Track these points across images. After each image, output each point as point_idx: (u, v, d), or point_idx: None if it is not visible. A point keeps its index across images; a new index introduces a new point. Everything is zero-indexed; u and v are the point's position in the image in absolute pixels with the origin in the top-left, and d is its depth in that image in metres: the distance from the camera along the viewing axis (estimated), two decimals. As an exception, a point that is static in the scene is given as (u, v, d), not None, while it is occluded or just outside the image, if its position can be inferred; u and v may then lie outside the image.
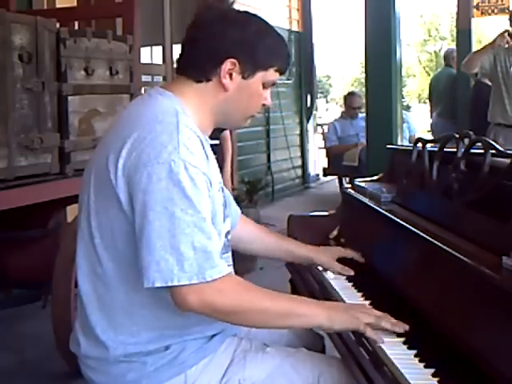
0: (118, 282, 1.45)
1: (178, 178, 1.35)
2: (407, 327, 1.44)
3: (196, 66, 1.53)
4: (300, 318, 1.46)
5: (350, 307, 1.54)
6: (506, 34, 4.58)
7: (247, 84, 1.53)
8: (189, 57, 1.55)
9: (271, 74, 1.56)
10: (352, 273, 1.86)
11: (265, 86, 1.57)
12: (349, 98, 7.56)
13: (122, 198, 1.40)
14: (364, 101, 6.89)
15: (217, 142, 4.04)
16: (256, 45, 1.52)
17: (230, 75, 1.51)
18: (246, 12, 1.60)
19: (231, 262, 1.63)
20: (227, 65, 1.50)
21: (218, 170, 1.59)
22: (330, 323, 1.45)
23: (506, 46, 4.61)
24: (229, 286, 1.39)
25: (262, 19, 1.59)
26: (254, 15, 1.59)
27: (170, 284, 1.34)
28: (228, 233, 1.62)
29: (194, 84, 1.53)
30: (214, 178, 1.49)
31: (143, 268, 1.35)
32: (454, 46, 8.68)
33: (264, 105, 1.61)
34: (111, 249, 1.45)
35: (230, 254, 1.63)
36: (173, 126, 1.41)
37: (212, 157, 1.54)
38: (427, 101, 8.48)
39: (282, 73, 1.59)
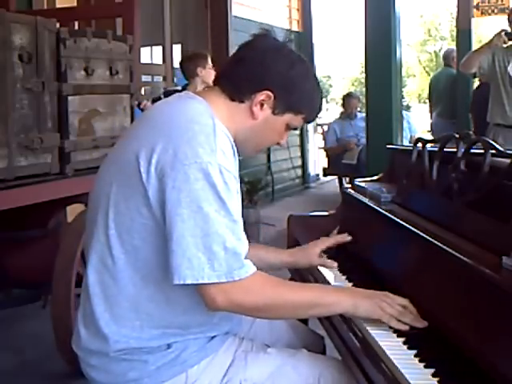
0: (128, 276, 1.46)
1: (213, 181, 1.37)
2: (426, 323, 1.45)
3: (235, 84, 1.55)
4: (326, 307, 1.50)
5: (374, 295, 1.53)
6: (503, 34, 4.55)
7: (274, 120, 1.56)
8: (232, 73, 1.57)
9: (298, 120, 1.60)
10: (335, 264, 1.89)
11: (287, 128, 1.60)
12: (346, 99, 7.58)
13: (150, 193, 1.40)
14: (362, 101, 6.92)
15: None
16: (295, 87, 1.55)
17: (262, 105, 1.54)
18: (299, 54, 1.61)
19: None
20: (263, 95, 1.53)
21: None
22: (354, 310, 1.48)
23: (504, 45, 4.59)
24: (255, 284, 1.42)
25: (309, 65, 1.63)
26: (304, 59, 1.61)
27: (200, 281, 1.36)
28: None
29: (227, 100, 1.55)
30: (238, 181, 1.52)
31: (174, 264, 1.36)
32: (453, 46, 8.68)
33: (278, 143, 1.64)
34: (126, 241, 1.45)
35: None
36: (210, 128, 1.43)
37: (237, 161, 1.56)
38: (427, 101, 8.48)
39: (307, 122, 1.63)
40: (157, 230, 1.41)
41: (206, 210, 1.36)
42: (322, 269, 1.93)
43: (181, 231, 1.36)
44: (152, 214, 1.41)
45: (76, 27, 4.31)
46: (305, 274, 1.97)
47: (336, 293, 1.55)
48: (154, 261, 1.43)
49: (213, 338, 1.53)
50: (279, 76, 1.53)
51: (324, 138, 7.91)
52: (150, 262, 1.43)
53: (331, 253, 2.09)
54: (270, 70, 1.53)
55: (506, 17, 4.85)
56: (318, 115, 1.69)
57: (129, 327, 1.47)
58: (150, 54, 6.80)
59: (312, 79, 1.61)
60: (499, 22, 7.54)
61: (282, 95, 1.54)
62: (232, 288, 1.38)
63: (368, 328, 1.47)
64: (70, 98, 2.94)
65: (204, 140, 1.40)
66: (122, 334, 1.47)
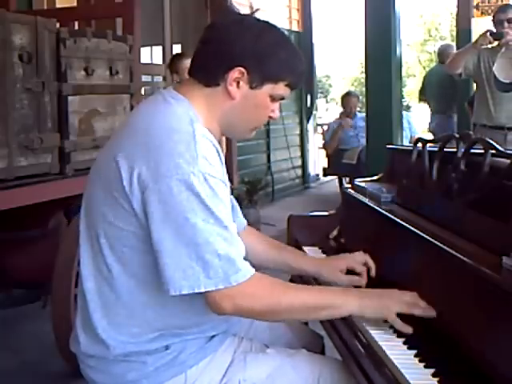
0: (123, 283, 1.46)
1: (197, 191, 1.35)
2: (434, 313, 1.45)
3: (205, 69, 1.51)
4: (332, 309, 1.48)
5: (381, 294, 1.52)
6: (488, 34, 4.50)
7: (254, 94, 1.51)
8: (200, 59, 1.54)
9: (280, 88, 1.53)
10: (364, 282, 1.75)
11: (273, 99, 1.54)
12: (345, 98, 7.57)
13: (134, 204, 1.39)
14: (362, 101, 6.91)
15: None
16: (267, 56, 1.49)
17: (238, 83, 1.49)
18: (266, 22, 1.55)
19: None
20: (235, 73, 1.47)
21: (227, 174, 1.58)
22: (360, 311, 1.47)
23: (489, 45, 4.55)
24: (258, 288, 1.41)
25: (281, 31, 1.56)
26: (273, 26, 1.55)
27: (196, 291, 1.35)
28: None
29: (203, 88, 1.51)
30: (227, 183, 1.49)
31: (168, 277, 1.35)
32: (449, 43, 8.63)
33: (271, 117, 1.58)
34: (117, 250, 1.45)
35: None
36: (189, 135, 1.39)
37: (223, 162, 1.54)
38: (427, 101, 8.46)
39: (292, 88, 1.56)
40: (146, 238, 1.39)
41: (193, 221, 1.34)
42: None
43: (171, 244, 1.35)
44: (139, 223, 1.40)
45: (76, 27, 4.30)
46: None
47: (343, 294, 1.53)
48: (146, 268, 1.42)
49: (211, 338, 1.53)
50: (246, 49, 1.47)
51: (324, 138, 7.90)
52: (142, 269, 1.42)
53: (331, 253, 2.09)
54: (235, 46, 1.47)
55: (491, 18, 4.81)
56: (302, 79, 1.59)
57: (127, 334, 1.47)
58: (150, 54, 6.80)
59: (285, 44, 1.53)
60: (499, 22, 7.52)
61: (255, 68, 1.47)
62: (236, 294, 1.37)
63: (368, 328, 1.47)
64: (70, 97, 2.94)
65: (184, 149, 1.37)
66: (120, 341, 1.47)
